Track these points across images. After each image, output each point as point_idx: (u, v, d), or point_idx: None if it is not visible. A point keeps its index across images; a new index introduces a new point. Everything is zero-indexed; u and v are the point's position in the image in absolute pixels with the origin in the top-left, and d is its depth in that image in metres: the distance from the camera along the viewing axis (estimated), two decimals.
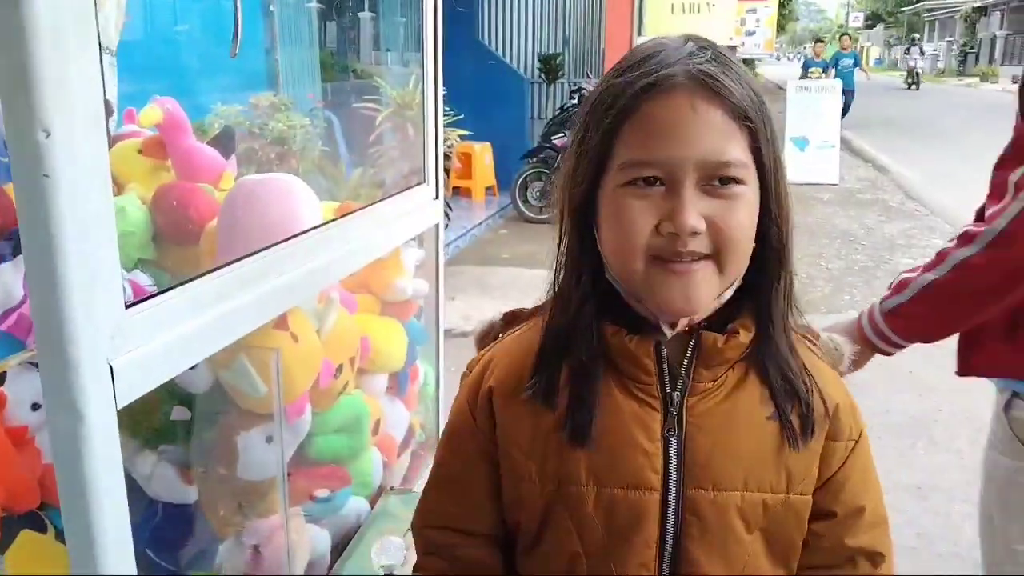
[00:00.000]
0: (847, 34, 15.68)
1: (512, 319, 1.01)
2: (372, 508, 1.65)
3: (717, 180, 0.80)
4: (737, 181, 0.80)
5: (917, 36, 41.38)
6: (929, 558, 2.87)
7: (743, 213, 0.81)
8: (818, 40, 15.88)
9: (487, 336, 1.01)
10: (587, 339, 0.87)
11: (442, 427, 1.96)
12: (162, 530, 1.34)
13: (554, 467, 0.87)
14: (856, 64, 14.49)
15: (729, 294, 0.86)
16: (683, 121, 0.79)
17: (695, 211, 0.78)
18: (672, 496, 0.86)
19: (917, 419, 3.92)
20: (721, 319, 0.88)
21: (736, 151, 0.80)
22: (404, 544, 1.39)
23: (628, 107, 0.81)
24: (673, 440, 0.86)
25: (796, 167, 9.72)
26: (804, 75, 13.74)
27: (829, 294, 5.82)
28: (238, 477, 1.32)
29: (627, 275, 0.84)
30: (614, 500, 0.86)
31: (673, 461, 0.86)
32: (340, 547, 1.56)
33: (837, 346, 0.98)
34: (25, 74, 0.73)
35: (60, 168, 0.77)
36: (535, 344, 0.90)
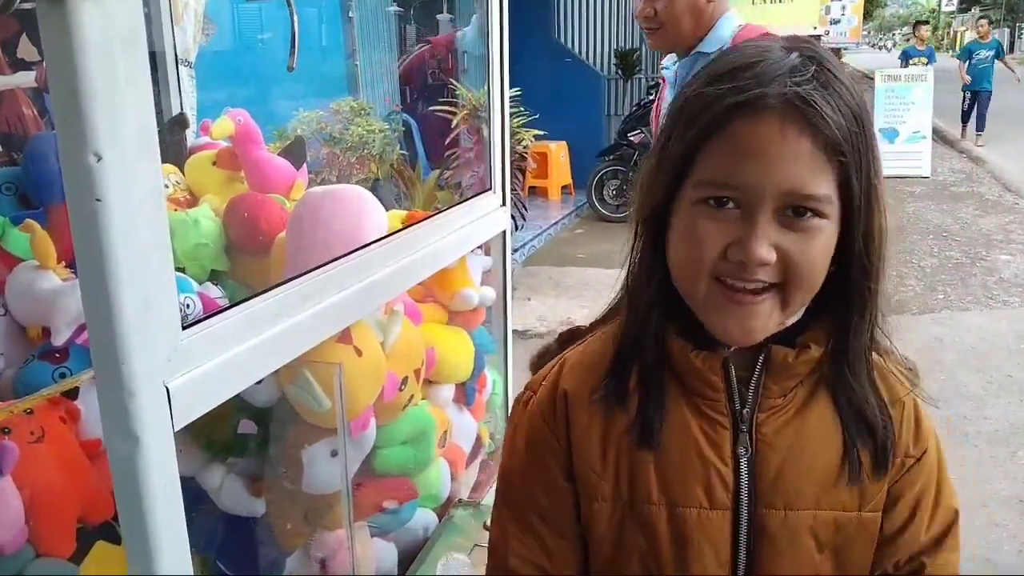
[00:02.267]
0: (986, 17, 12.11)
1: (569, 338, 0.98)
2: (440, 520, 1.64)
3: (795, 213, 0.75)
4: (817, 214, 0.76)
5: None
6: None
7: (817, 249, 0.77)
8: (920, 22, 12.57)
9: (543, 359, 0.98)
10: (653, 345, 0.85)
11: None
12: (231, 542, 1.36)
13: (626, 483, 0.86)
14: (998, 55, 11.32)
15: (795, 319, 0.82)
16: (769, 148, 0.74)
17: (767, 242, 0.75)
18: (744, 515, 0.84)
19: (1017, 426, 3.71)
20: (790, 330, 0.83)
21: (821, 186, 0.75)
22: (470, 561, 1.37)
23: (714, 123, 0.76)
24: (744, 459, 0.84)
25: (885, 160, 9.22)
26: (905, 67, 11.47)
27: (921, 293, 5.58)
28: (304, 491, 1.32)
29: (688, 293, 0.81)
30: (685, 519, 0.84)
31: (744, 480, 0.84)
32: (408, 559, 1.55)
33: (911, 365, 0.92)
34: (75, 99, 0.74)
35: (112, 192, 0.77)
36: (607, 352, 0.88)
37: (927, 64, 11.02)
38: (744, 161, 0.75)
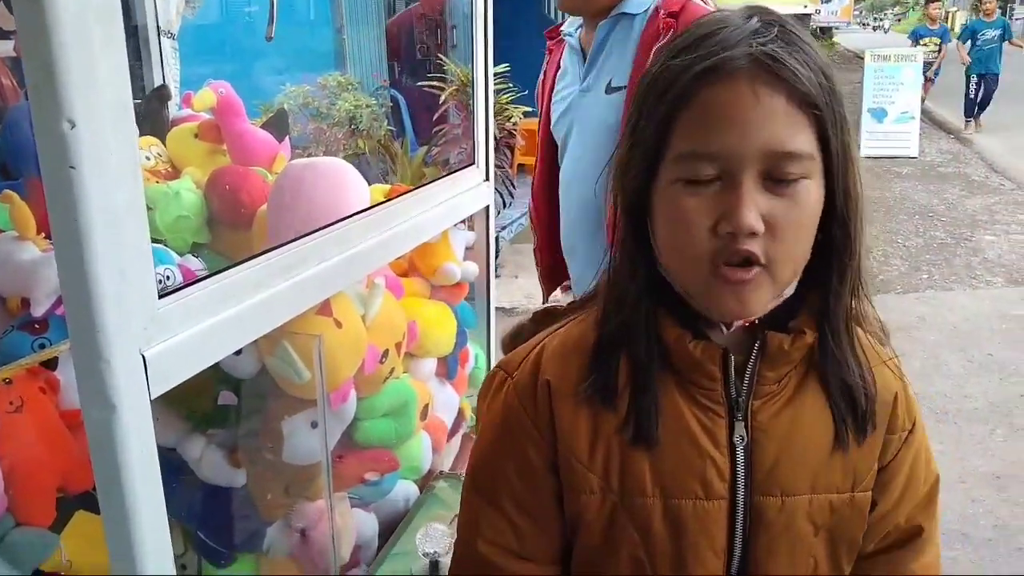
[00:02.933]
0: None
1: (544, 318, 0.96)
2: (421, 492, 1.65)
3: (779, 175, 0.74)
4: (802, 176, 0.74)
5: None
6: (1007, 552, 2.75)
7: (805, 213, 0.75)
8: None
9: (517, 339, 0.96)
10: (645, 337, 0.82)
11: None
12: (212, 512, 1.36)
13: (617, 477, 0.84)
14: (1005, 36, 10.41)
15: (791, 290, 0.81)
16: (743, 109, 0.73)
17: (755, 209, 0.73)
18: (740, 503, 0.83)
19: (997, 404, 3.76)
20: (782, 313, 0.83)
21: (801, 142, 0.74)
22: (449, 532, 1.38)
23: (684, 94, 0.75)
24: (740, 447, 0.83)
25: (873, 140, 9.36)
26: (918, 48, 10.59)
27: (905, 273, 5.62)
28: (284, 462, 1.33)
29: (683, 278, 0.80)
30: (681, 510, 0.83)
31: (740, 468, 0.83)
32: (389, 530, 1.56)
33: (882, 325, 0.92)
34: (49, 66, 0.73)
35: (86, 159, 0.76)
36: (588, 339, 0.86)
37: (940, 44, 10.40)
38: (720, 127, 0.73)
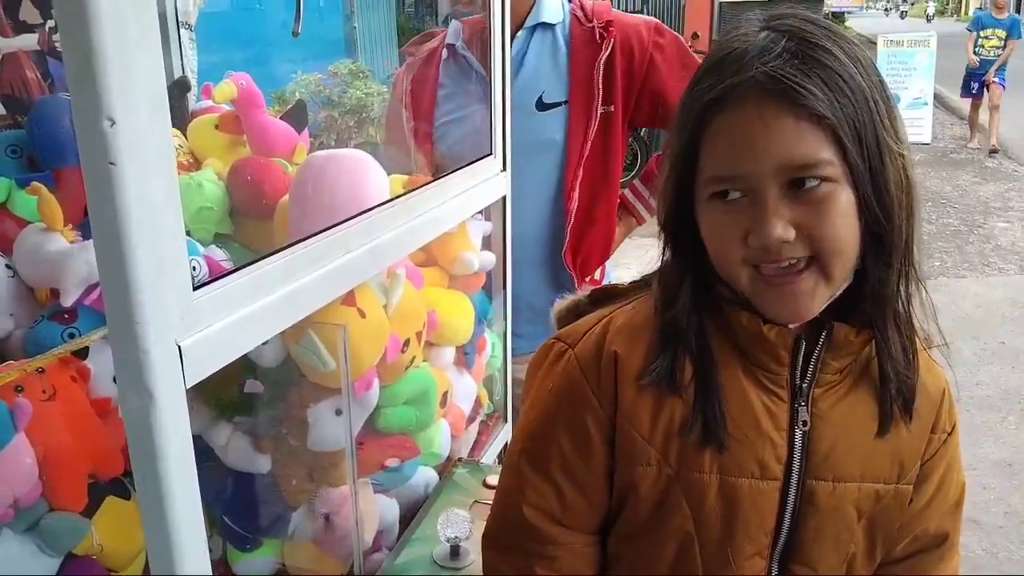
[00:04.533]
0: None
1: (601, 297, 0.99)
2: (441, 478, 1.68)
3: (802, 183, 0.78)
4: (824, 179, 0.78)
5: None
6: (1019, 537, 2.76)
7: (835, 214, 0.78)
8: None
9: (570, 314, 0.99)
10: (696, 336, 0.86)
11: (511, 398, 1.97)
12: (238, 498, 1.39)
13: (676, 452, 0.87)
14: None
15: (844, 286, 0.85)
16: (753, 133, 0.77)
17: (780, 221, 0.77)
18: (792, 485, 0.87)
19: (1009, 392, 3.77)
20: (844, 306, 0.86)
21: (817, 152, 0.77)
22: (470, 517, 1.40)
23: (701, 121, 0.81)
24: (800, 432, 0.86)
25: None
26: (978, 41, 9.19)
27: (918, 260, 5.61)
28: (308, 449, 1.35)
29: (733, 283, 0.85)
30: (737, 489, 0.86)
31: (797, 452, 0.86)
32: (410, 515, 1.59)
33: (928, 334, 0.95)
34: (89, 65, 0.75)
35: (125, 156, 0.78)
36: (654, 320, 0.89)
37: (1006, 39, 9.02)
38: (735, 152, 0.78)
